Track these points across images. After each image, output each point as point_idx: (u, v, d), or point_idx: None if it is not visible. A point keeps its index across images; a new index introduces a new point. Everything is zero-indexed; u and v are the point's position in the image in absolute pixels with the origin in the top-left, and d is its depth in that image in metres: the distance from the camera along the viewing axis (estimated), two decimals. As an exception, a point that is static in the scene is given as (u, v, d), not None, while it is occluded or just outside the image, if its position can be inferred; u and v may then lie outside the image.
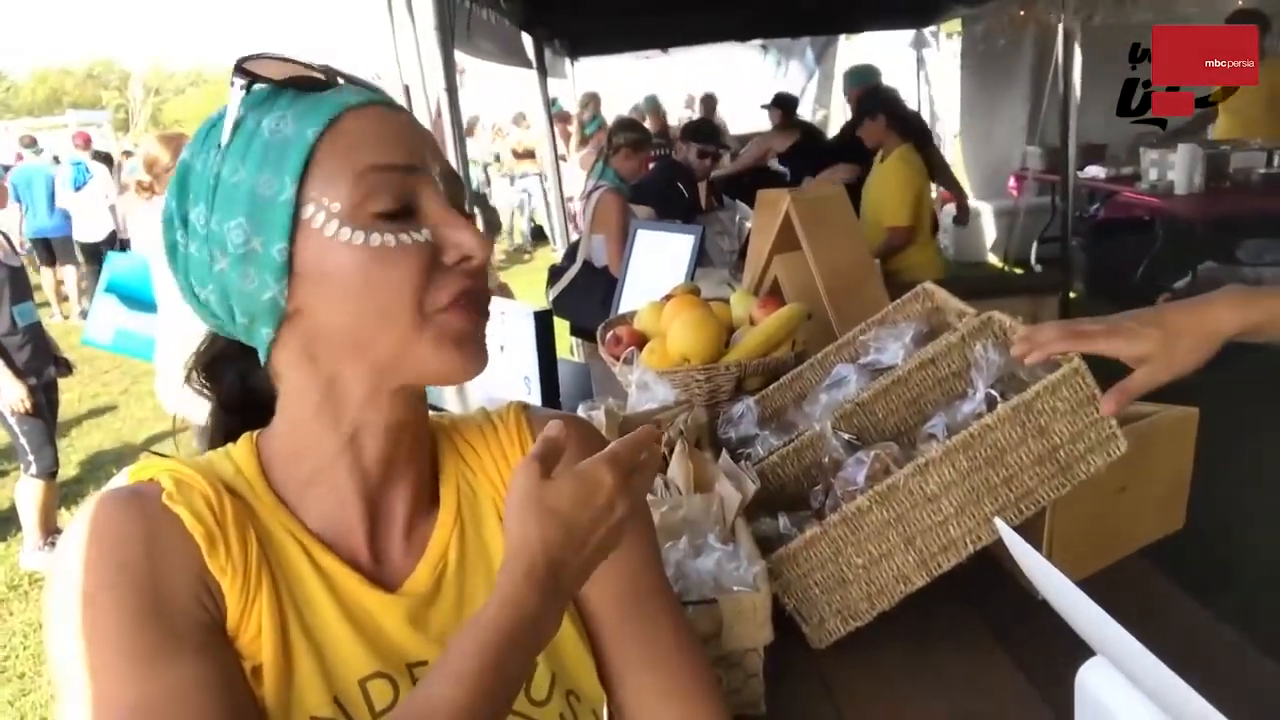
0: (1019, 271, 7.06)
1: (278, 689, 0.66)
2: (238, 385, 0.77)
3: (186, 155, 0.68)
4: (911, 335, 1.41)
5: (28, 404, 3.78)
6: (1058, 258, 6.21)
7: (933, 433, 1.22)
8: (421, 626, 0.72)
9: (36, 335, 3.96)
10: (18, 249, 3.99)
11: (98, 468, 5.23)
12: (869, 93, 4.59)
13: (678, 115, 10.28)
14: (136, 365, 6.81)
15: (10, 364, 3.78)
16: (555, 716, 0.73)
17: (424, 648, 0.71)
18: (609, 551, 0.68)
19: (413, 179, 0.67)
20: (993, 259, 7.73)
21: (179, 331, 3.51)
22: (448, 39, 2.96)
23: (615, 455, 0.67)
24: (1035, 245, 6.90)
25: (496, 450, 0.81)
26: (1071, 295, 4.78)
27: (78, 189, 9.17)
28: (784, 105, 6.41)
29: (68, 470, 4.38)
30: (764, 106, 6.73)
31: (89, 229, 9.08)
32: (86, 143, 9.81)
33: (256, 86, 0.67)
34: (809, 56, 10.20)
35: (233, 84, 0.66)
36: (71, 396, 4.82)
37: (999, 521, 0.85)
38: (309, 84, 0.67)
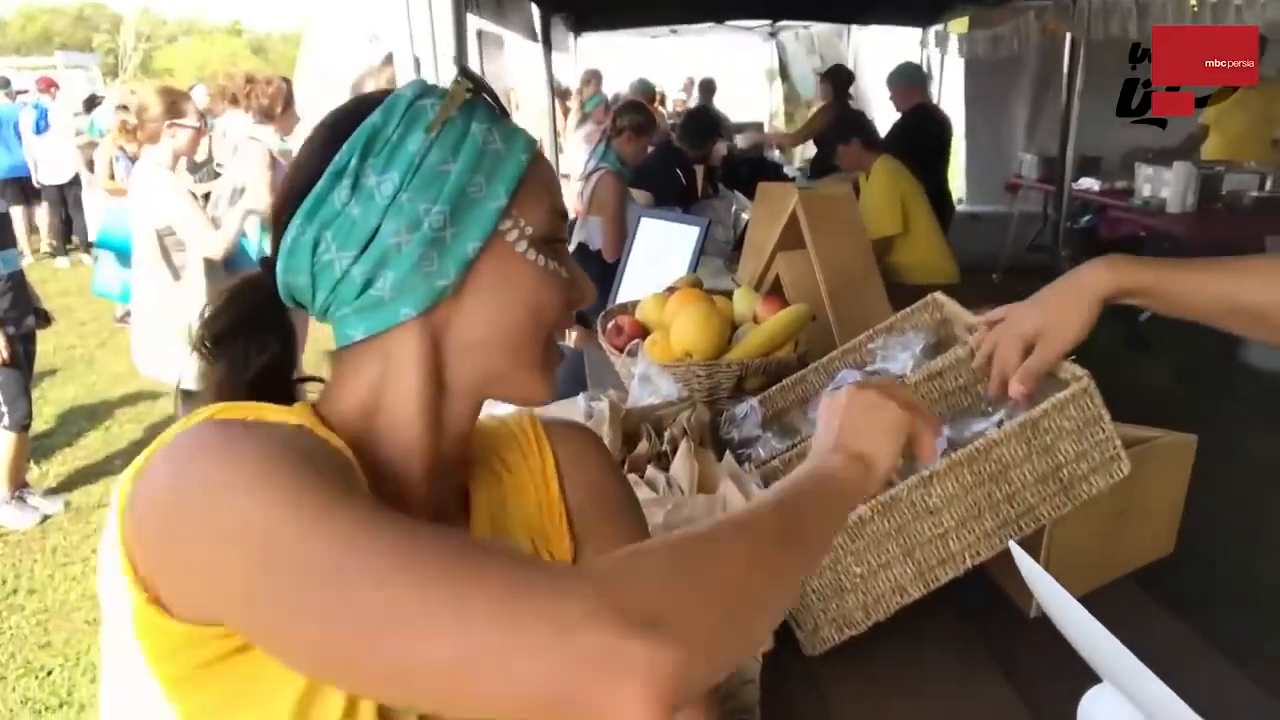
0: (1002, 279, 7.09)
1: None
2: (248, 360, 0.74)
3: (378, 119, 0.70)
4: (920, 346, 1.40)
5: (5, 353, 3.72)
6: (1046, 267, 6.25)
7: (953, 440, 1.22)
8: None
9: (18, 284, 3.89)
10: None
11: (70, 422, 5.17)
12: (840, 118, 4.67)
13: (675, 98, 10.23)
14: (113, 317, 6.74)
15: (-9, 310, 3.71)
16: None
17: None
18: (887, 441, 0.78)
19: (564, 224, 0.78)
20: (978, 263, 7.75)
21: (154, 292, 3.47)
22: (461, 6, 2.91)
23: (884, 382, 0.84)
24: (1026, 252, 6.92)
25: (521, 460, 0.85)
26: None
27: (39, 133, 9.27)
28: (837, 80, 6.41)
29: (38, 423, 4.32)
30: (817, 71, 6.71)
31: (52, 171, 9.23)
32: (49, 86, 10.09)
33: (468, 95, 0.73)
34: (815, 45, 10.15)
35: (457, 82, 0.73)
36: (46, 348, 4.74)
37: (1013, 544, 0.85)
38: (502, 109, 0.76)
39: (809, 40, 10.01)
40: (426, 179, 0.69)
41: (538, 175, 0.74)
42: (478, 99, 0.73)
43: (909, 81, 5.49)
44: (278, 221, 0.72)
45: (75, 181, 9.18)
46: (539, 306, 0.73)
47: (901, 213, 4.04)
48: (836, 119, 4.73)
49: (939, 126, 5.31)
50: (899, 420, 0.79)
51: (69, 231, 9.82)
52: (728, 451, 1.37)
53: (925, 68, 8.16)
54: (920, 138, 5.04)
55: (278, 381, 0.74)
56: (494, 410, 0.85)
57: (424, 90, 0.73)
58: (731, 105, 9.74)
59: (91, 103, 9.91)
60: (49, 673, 3.02)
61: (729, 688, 1.06)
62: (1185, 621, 1.28)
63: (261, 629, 0.56)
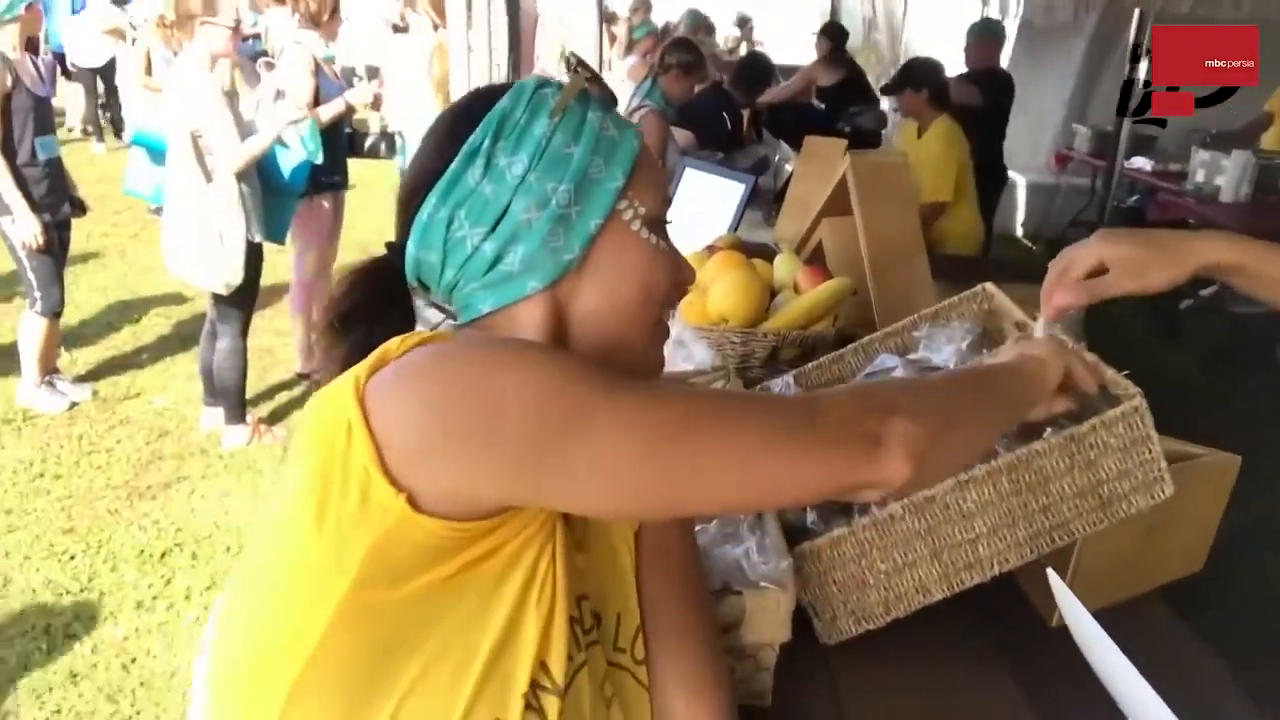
0: (1049, 254, 6.97)
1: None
2: (371, 339, 0.77)
3: (507, 105, 0.76)
4: (967, 340, 1.37)
5: (40, 240, 3.73)
6: (1088, 244, 6.13)
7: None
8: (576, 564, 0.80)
9: (55, 171, 3.88)
10: (44, 78, 3.87)
11: (100, 313, 5.21)
12: (916, 63, 4.47)
13: (725, 34, 9.97)
14: (147, 210, 6.74)
15: (28, 196, 3.71)
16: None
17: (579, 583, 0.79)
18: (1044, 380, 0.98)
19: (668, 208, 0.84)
20: (1021, 235, 7.62)
21: (187, 193, 3.45)
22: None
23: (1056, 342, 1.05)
24: (1067, 229, 6.80)
25: None
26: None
27: (75, 13, 9.08)
28: (835, 36, 6.17)
29: (69, 311, 4.35)
30: (814, 34, 6.49)
31: (86, 54, 9.02)
32: None
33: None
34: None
35: (575, 72, 0.78)
36: (79, 235, 4.75)
37: (1051, 574, 0.84)
38: (612, 99, 0.82)
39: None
40: (552, 160, 0.75)
41: (647, 160, 0.80)
42: (592, 88, 0.79)
43: (992, 37, 5.28)
44: (409, 204, 0.77)
45: (111, 65, 9.02)
46: (651, 282, 0.79)
47: (956, 181, 3.96)
48: (911, 66, 4.48)
49: (1007, 92, 5.11)
50: (1055, 350, 1.00)
51: (100, 116, 9.72)
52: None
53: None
54: (989, 100, 4.86)
55: None
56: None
57: (544, 81, 0.79)
58: (780, 48, 9.50)
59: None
60: (71, 557, 3.09)
61: (744, 672, 1.06)
62: (1206, 639, 1.27)
63: (571, 487, 0.65)
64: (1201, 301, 5.23)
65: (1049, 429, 1.15)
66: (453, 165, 0.75)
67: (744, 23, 10.85)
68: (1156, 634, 1.28)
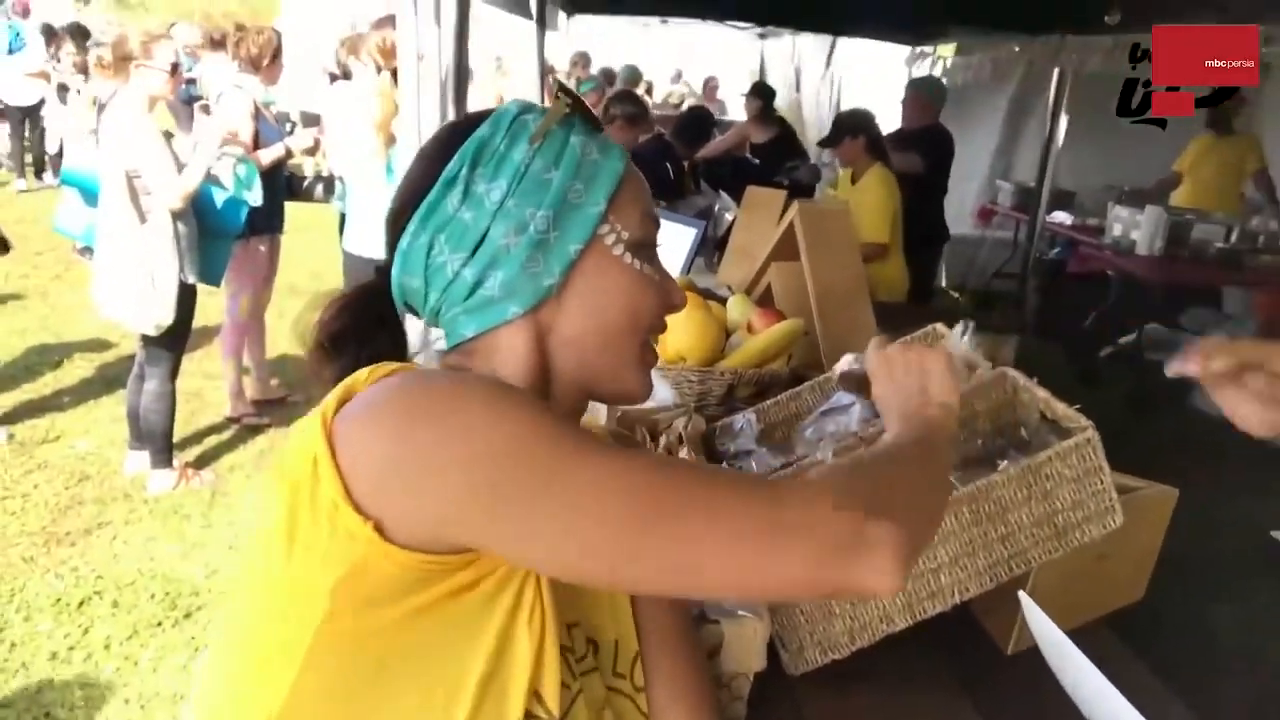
0: (969, 303, 7.19)
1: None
2: (359, 360, 0.78)
3: (486, 132, 0.76)
4: (922, 377, 1.41)
5: (-38, 279, 3.60)
6: (1012, 294, 6.36)
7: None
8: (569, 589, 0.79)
9: (-21, 209, 3.77)
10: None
11: (20, 355, 5.02)
12: (850, 113, 4.62)
13: (664, 90, 10.19)
14: (70, 252, 6.55)
15: (-49, 236, 3.59)
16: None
17: (571, 611, 0.79)
18: (945, 382, 0.92)
19: (657, 231, 0.83)
20: (945, 285, 7.85)
21: (120, 234, 3.37)
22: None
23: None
24: (991, 279, 7.04)
25: None
26: (1019, 335, 4.91)
27: (11, 53, 9.19)
28: (764, 95, 6.35)
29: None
30: (744, 95, 6.68)
31: (17, 94, 9.15)
32: (25, 11, 10.21)
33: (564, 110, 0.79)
34: (809, 54, 10.16)
35: (558, 98, 0.78)
36: (-2, 274, 4.63)
37: (1023, 595, 0.86)
38: (598, 125, 0.81)
39: (790, 47, 10.03)
40: (531, 186, 0.75)
41: (632, 184, 0.80)
42: (575, 114, 0.79)
43: (929, 96, 5.26)
44: (394, 228, 0.77)
45: (40, 105, 8.97)
46: (635, 307, 0.79)
47: (890, 226, 4.06)
48: (850, 114, 4.57)
49: (948, 149, 5.11)
50: (940, 365, 0.92)
51: (23, 155, 9.60)
52: (723, 463, 1.37)
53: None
54: (930, 160, 4.88)
55: None
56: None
57: (526, 107, 0.80)
58: (715, 103, 9.74)
59: (50, 33, 9.65)
60: (-20, 609, 2.94)
61: (719, 701, 1.06)
62: (1148, 664, 1.31)
63: (524, 533, 0.62)
64: (1121, 349, 5.44)
65: (1004, 461, 1.20)
66: (432, 192, 0.75)
67: (678, 77, 11.13)
68: (1106, 659, 1.32)
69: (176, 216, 3.39)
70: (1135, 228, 5.37)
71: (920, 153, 4.76)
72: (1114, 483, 1.26)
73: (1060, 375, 5.38)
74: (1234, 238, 5.30)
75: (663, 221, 2.52)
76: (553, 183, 0.75)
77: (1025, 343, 5.21)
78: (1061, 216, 6.24)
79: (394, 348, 0.80)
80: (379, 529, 0.62)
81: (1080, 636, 1.32)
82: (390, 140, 3.70)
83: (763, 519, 0.63)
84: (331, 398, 0.67)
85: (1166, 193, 5.98)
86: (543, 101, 5.98)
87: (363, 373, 0.69)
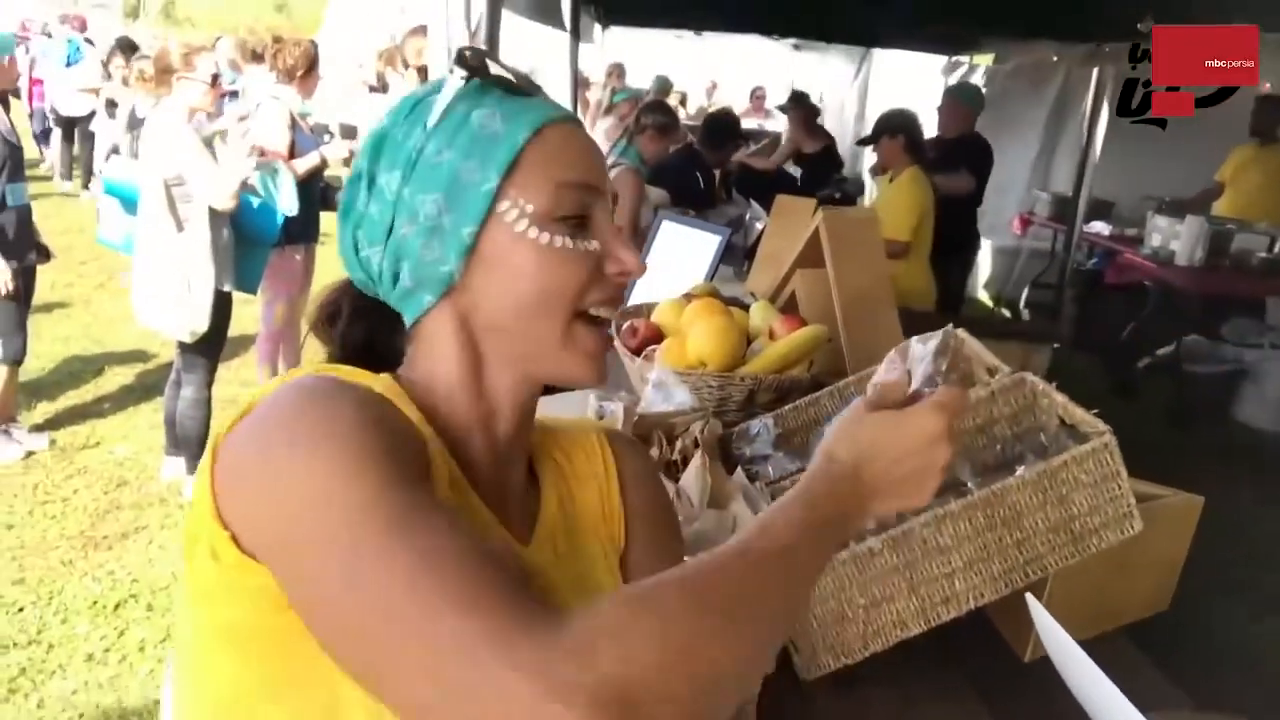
0: (1007, 314, 7.12)
1: None
2: (359, 337, 0.80)
3: (386, 123, 0.74)
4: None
5: (9, 286, 3.70)
6: (1049, 305, 6.28)
7: (963, 479, 1.22)
8: (553, 585, 0.77)
9: (23, 218, 3.86)
10: (14, 126, 3.88)
11: (63, 362, 5.13)
12: (893, 113, 4.57)
13: (699, 101, 10.21)
14: (115, 260, 6.68)
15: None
16: None
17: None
18: (924, 490, 0.74)
19: (590, 196, 0.74)
20: (983, 295, 7.78)
21: (158, 242, 3.45)
22: (497, -7, 2.91)
23: (943, 403, 0.73)
24: (1027, 289, 6.96)
25: (585, 461, 0.87)
26: (1054, 345, 4.85)
27: (69, 65, 9.69)
28: (807, 104, 6.33)
29: (30, 359, 4.29)
30: (780, 108, 6.65)
31: (70, 105, 9.57)
32: (81, 26, 10.78)
33: (472, 80, 0.73)
34: (843, 66, 10.15)
35: (452, 71, 0.73)
36: (44, 284, 4.70)
37: (1030, 598, 0.85)
38: (517, 88, 0.74)
39: (820, 56, 10.03)
40: (424, 171, 0.71)
41: (542, 151, 0.72)
42: (489, 82, 0.73)
43: (967, 103, 5.11)
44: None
45: (90, 116, 9.30)
46: (546, 285, 0.71)
47: (916, 228, 4.03)
48: (892, 113, 4.54)
49: (987, 163, 5.03)
50: (941, 461, 0.73)
51: (73, 163, 10.00)
52: (739, 468, 1.37)
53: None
54: (969, 168, 4.79)
55: (372, 357, 0.78)
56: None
57: (435, 87, 0.75)
58: (750, 116, 9.73)
59: (132, 47, 10.02)
60: (20, 609, 3.00)
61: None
62: (1171, 678, 1.29)
63: (291, 577, 0.59)
64: (1159, 360, 5.35)
65: (1021, 466, 1.18)
66: (344, 190, 0.75)
67: (713, 89, 11.14)
68: (1124, 670, 1.29)
69: (214, 224, 3.46)
70: (1175, 238, 5.29)
71: (958, 162, 4.70)
72: (1137, 490, 1.24)
73: (1097, 386, 5.32)
74: (1278, 248, 5.21)
75: (685, 228, 2.54)
76: (444, 165, 0.71)
77: (1062, 353, 5.16)
78: (1099, 226, 6.16)
79: (376, 327, 0.79)
80: (236, 540, 0.61)
81: (1097, 645, 1.32)
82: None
83: (496, 661, 0.51)
84: (232, 412, 0.66)
85: (1209, 203, 5.88)
86: (574, 110, 6.07)
87: (273, 382, 0.68)
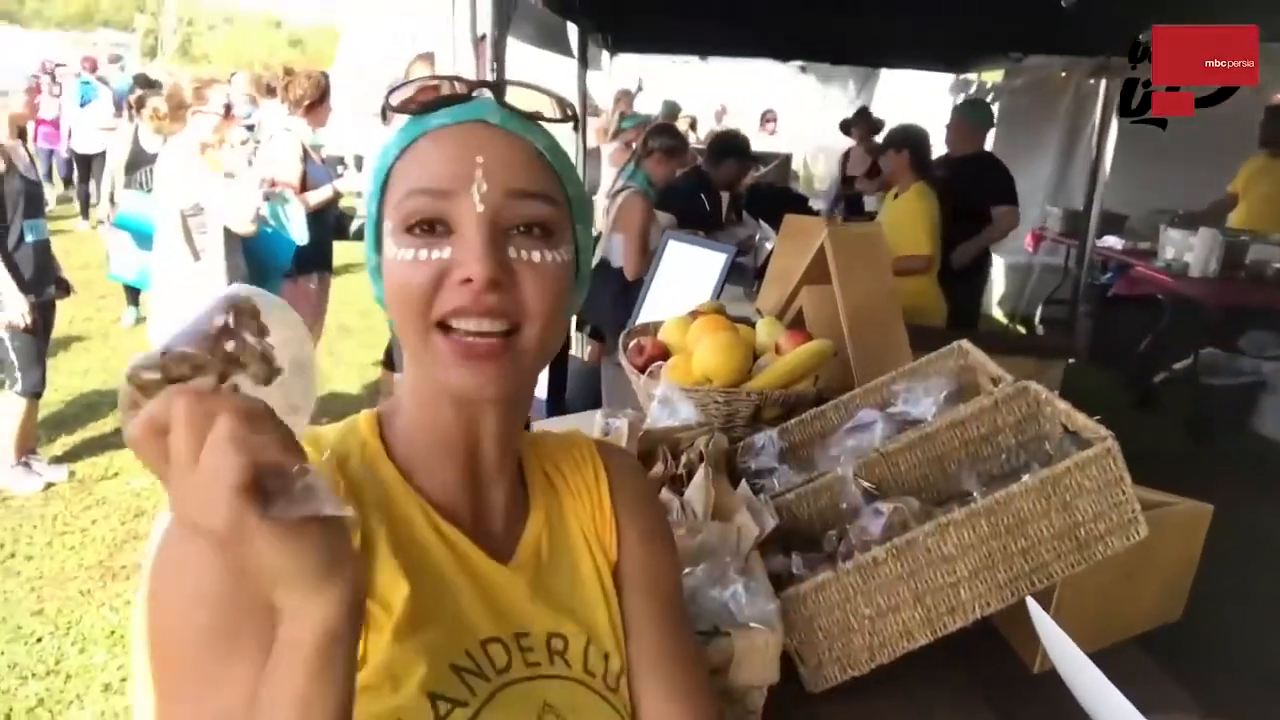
0: (1022, 330, 7.09)
1: (406, 645, 0.69)
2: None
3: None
4: (944, 392, 1.41)
5: (28, 320, 3.75)
6: (1063, 321, 6.25)
7: (968, 489, 1.22)
8: (531, 600, 0.79)
9: (42, 253, 3.93)
10: (34, 162, 3.96)
11: (82, 395, 5.18)
12: (899, 128, 4.57)
13: (709, 125, 10.26)
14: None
15: (18, 278, 3.74)
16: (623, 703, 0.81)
17: (528, 619, 0.78)
18: (210, 515, 0.52)
19: (445, 201, 0.70)
20: (997, 313, 7.76)
21: (175, 273, 3.50)
22: (504, 19, 2.95)
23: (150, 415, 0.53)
24: (1041, 306, 6.93)
25: (576, 472, 0.88)
26: (1069, 361, 4.81)
27: (83, 105, 10.15)
28: (871, 121, 6.33)
29: (50, 392, 4.35)
30: (843, 125, 6.67)
31: (86, 142, 9.98)
32: (93, 67, 11.09)
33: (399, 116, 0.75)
34: (850, 86, 10.21)
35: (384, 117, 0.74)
36: (63, 318, 4.78)
37: (1029, 599, 0.85)
38: (413, 109, 0.74)
39: (844, 78, 10.08)
40: (372, 217, 0.75)
41: (405, 164, 0.72)
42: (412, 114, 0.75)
43: (975, 122, 4.96)
44: None
45: (102, 155, 9.48)
46: (393, 299, 0.71)
47: (932, 241, 4.02)
48: (900, 129, 4.52)
49: (997, 177, 4.82)
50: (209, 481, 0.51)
51: (89, 198, 10.23)
52: (743, 480, 1.37)
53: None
54: (975, 190, 4.64)
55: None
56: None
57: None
58: (757, 135, 9.77)
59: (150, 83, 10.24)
60: (39, 640, 3.02)
61: (733, 717, 1.06)
62: (1186, 688, 1.28)
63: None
64: (1176, 373, 5.31)
65: (1027, 475, 1.18)
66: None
67: (723, 113, 11.19)
68: (1135, 679, 1.28)
69: (230, 253, 3.50)
70: (1189, 250, 5.27)
71: (970, 180, 4.65)
72: (1144, 498, 1.24)
73: (1115, 401, 5.28)
74: (1293, 258, 5.17)
75: (692, 247, 2.54)
76: (370, 206, 0.76)
77: (1078, 368, 5.13)
78: (1112, 240, 6.14)
79: None
80: None
81: (1111, 654, 1.30)
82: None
83: None
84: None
85: (1222, 215, 5.86)
86: (583, 138, 6.12)
87: (158, 531, 0.75)
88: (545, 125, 0.76)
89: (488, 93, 0.75)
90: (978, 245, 4.69)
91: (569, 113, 0.76)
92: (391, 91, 0.74)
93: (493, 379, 0.70)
